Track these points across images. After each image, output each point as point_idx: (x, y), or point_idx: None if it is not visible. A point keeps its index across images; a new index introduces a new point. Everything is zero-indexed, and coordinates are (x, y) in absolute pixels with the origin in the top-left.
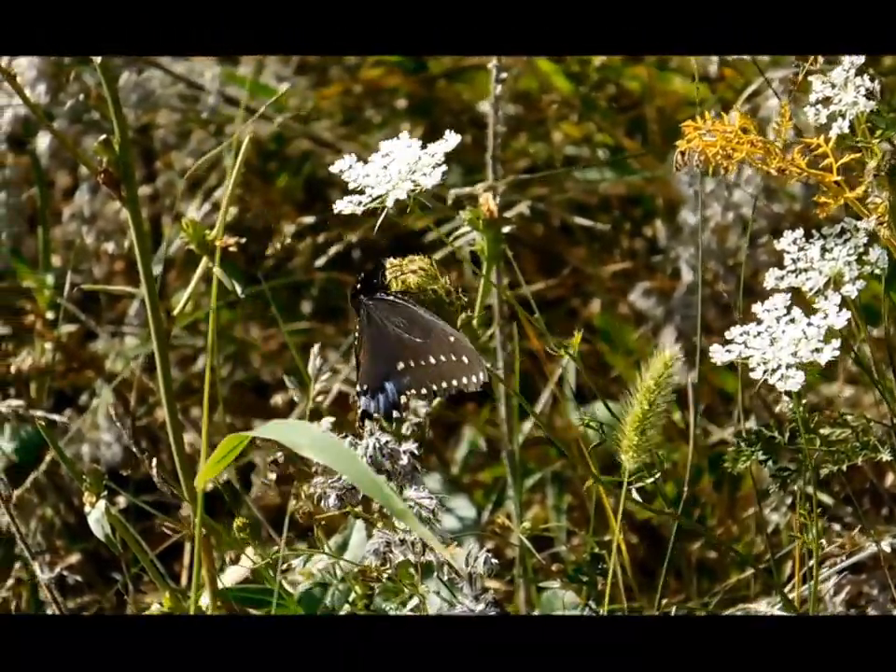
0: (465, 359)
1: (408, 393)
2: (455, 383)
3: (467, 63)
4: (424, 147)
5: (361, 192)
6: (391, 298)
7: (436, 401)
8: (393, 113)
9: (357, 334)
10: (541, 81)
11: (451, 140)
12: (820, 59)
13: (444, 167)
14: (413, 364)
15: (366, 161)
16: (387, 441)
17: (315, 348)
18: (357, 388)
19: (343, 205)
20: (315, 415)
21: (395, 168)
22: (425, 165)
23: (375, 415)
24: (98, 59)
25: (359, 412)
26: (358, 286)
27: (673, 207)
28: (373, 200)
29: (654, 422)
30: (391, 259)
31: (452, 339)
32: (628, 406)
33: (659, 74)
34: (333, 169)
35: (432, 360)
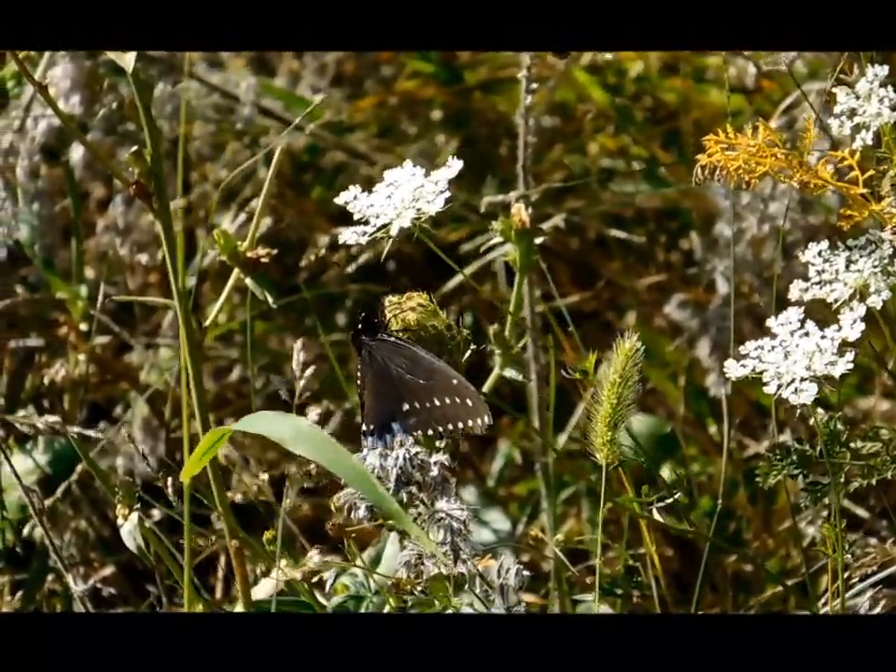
0: (468, 402)
1: (415, 434)
2: (460, 425)
3: (502, 75)
4: (427, 174)
5: (367, 223)
6: (393, 339)
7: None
8: (428, 125)
9: (359, 373)
10: (578, 93)
11: (454, 166)
12: (856, 72)
13: (448, 194)
14: (417, 405)
15: (371, 191)
16: (417, 453)
17: None
18: (363, 428)
19: (349, 236)
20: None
21: (398, 196)
22: (428, 192)
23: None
24: (130, 68)
25: (366, 451)
26: (360, 325)
27: (709, 220)
28: (378, 229)
29: (625, 416)
30: (389, 297)
31: (454, 381)
32: (597, 404)
33: (696, 85)
34: (338, 200)
35: (436, 402)
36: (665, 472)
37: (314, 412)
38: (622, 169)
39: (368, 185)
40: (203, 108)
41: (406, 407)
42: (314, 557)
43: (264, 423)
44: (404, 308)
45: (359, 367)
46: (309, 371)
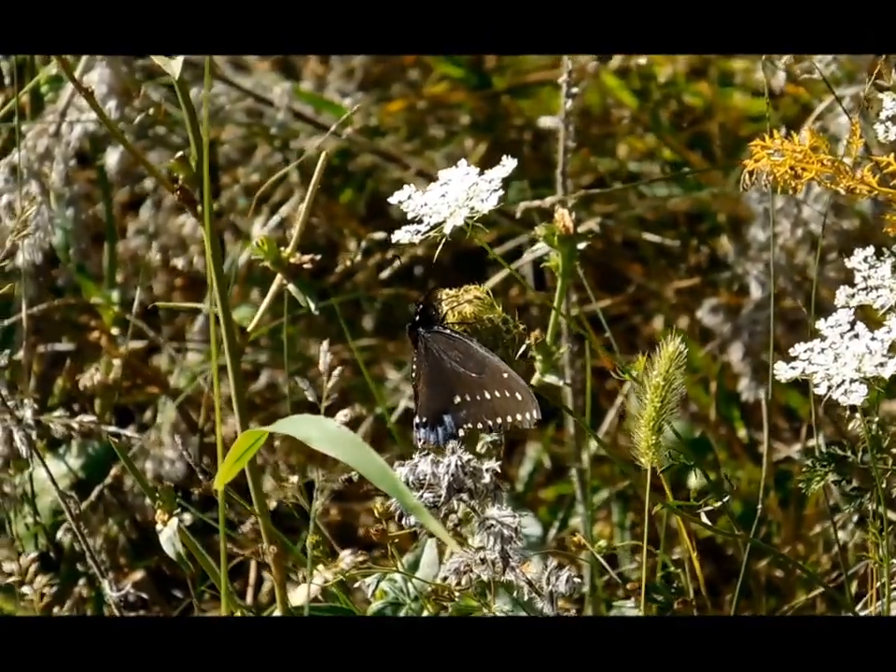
0: (518, 396)
1: (465, 427)
2: (509, 419)
3: (530, 79)
4: (482, 173)
5: (420, 221)
6: (448, 331)
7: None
8: (457, 129)
9: (414, 365)
10: (606, 96)
11: (508, 165)
12: (894, 76)
13: (501, 192)
14: (468, 398)
15: (425, 191)
16: (469, 460)
17: None
18: (416, 420)
19: (402, 235)
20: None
21: (452, 195)
22: (482, 191)
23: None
24: (176, 75)
25: (419, 443)
26: (417, 318)
27: (738, 223)
28: (431, 228)
29: (669, 419)
30: (446, 290)
31: (505, 375)
32: (641, 407)
33: (721, 90)
34: (392, 200)
35: (487, 395)
36: (694, 478)
37: (342, 414)
38: (650, 172)
39: (397, 188)
40: (233, 112)
41: (458, 400)
42: (346, 558)
43: (298, 426)
44: (461, 301)
45: (414, 359)
46: (336, 373)
